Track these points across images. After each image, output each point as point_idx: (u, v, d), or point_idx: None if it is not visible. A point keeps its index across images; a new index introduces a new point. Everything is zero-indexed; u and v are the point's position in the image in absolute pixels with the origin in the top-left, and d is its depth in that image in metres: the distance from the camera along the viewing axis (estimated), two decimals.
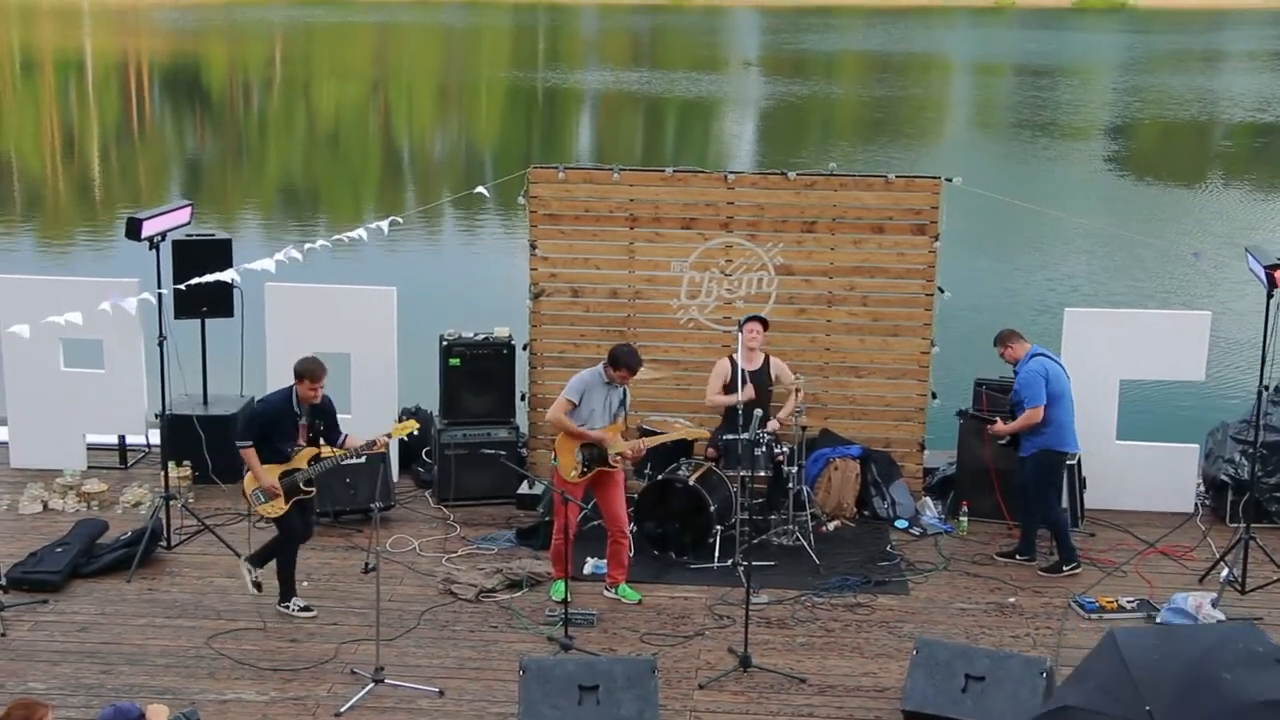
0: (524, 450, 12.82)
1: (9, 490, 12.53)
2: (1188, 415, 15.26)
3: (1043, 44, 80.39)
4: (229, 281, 11.65)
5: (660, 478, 11.38)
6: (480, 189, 13.09)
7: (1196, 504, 12.41)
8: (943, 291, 12.35)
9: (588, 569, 11.00)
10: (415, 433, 10.57)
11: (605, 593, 10.64)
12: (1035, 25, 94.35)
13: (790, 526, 11.57)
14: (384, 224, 11.86)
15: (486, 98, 56.91)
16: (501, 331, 12.77)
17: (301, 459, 10.11)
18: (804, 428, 11.71)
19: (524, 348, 12.71)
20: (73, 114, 49.77)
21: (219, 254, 12.60)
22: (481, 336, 12.72)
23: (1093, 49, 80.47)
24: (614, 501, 10.57)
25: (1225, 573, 10.86)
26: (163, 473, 11.66)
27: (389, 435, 10.31)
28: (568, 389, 10.49)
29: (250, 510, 10.24)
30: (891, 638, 10.07)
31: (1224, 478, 12.17)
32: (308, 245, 11.16)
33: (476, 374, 12.62)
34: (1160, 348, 12.22)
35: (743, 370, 11.42)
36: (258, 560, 10.32)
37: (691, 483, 11.25)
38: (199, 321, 12.88)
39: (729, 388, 11.61)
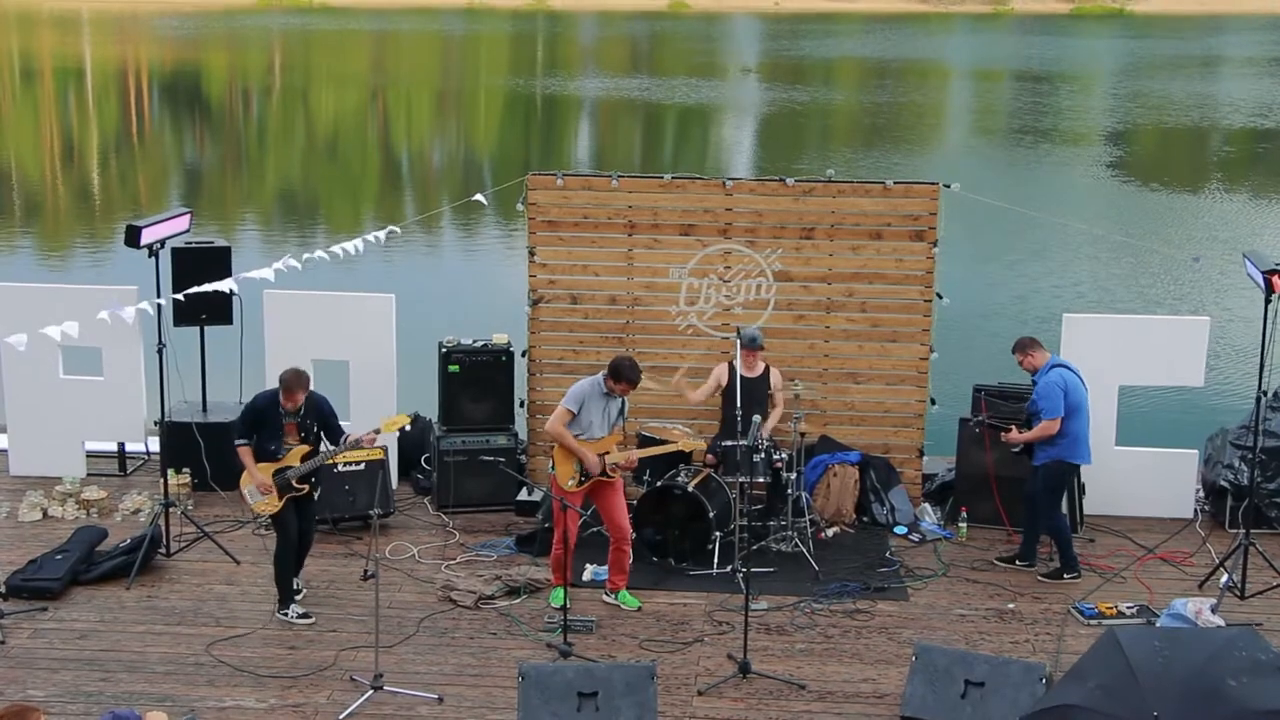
0: (523, 457, 12.82)
1: (8, 498, 12.53)
2: (1187, 421, 15.27)
3: (1041, 50, 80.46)
4: (227, 291, 11.65)
5: (659, 484, 11.38)
6: (479, 196, 13.10)
7: (1196, 509, 12.42)
8: (941, 298, 12.35)
9: (587, 575, 11.00)
10: (408, 428, 10.55)
11: (605, 598, 10.64)
12: (1033, 31, 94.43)
13: (789, 533, 11.57)
14: (381, 234, 11.88)
15: (485, 105, 56.96)
16: (500, 338, 12.78)
17: (294, 457, 10.16)
18: (803, 434, 11.71)
19: (523, 354, 12.71)
20: (72, 121, 49.81)
21: (218, 261, 12.62)
22: (480, 343, 12.72)
23: (1091, 55, 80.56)
24: (615, 509, 10.57)
25: (1225, 578, 10.85)
26: (162, 480, 11.66)
27: (378, 430, 10.27)
28: (567, 398, 10.48)
29: (254, 516, 10.25)
30: (891, 644, 10.07)
31: (1223, 483, 12.17)
32: (306, 256, 11.17)
33: (475, 381, 12.62)
34: (1159, 353, 12.23)
35: (741, 377, 11.40)
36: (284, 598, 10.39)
37: (690, 489, 11.25)
38: (198, 329, 12.88)
39: (725, 393, 11.62)
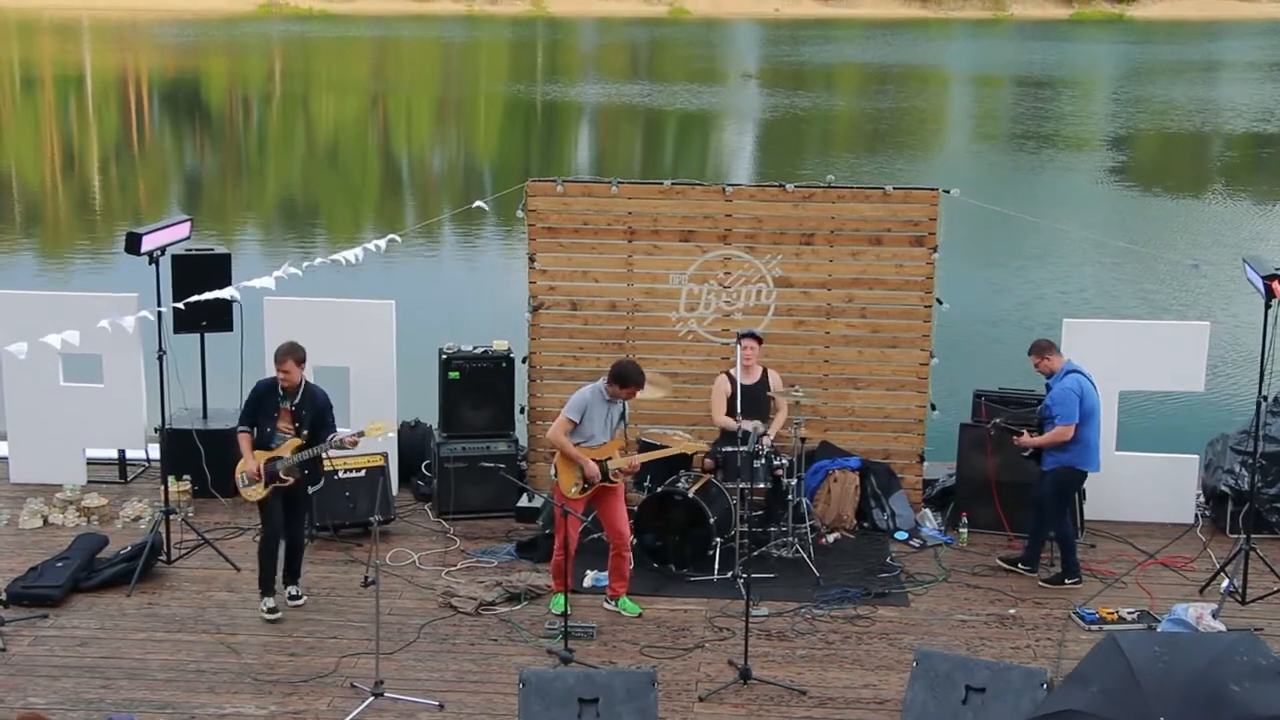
0: (523, 463, 12.82)
1: (9, 505, 12.52)
2: (1188, 426, 15.26)
3: (1041, 55, 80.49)
4: (228, 299, 11.67)
5: (660, 490, 11.38)
6: (479, 203, 13.11)
7: (1196, 515, 12.42)
8: (941, 303, 12.36)
9: (587, 582, 10.99)
10: (391, 434, 10.54)
11: (606, 605, 10.63)
12: (1032, 36, 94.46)
13: (790, 538, 11.57)
14: (381, 243, 11.89)
15: (485, 111, 56.97)
16: (500, 345, 12.78)
17: (286, 448, 10.21)
18: (803, 440, 11.71)
19: (523, 361, 12.72)
20: (72, 129, 49.82)
21: (218, 269, 12.63)
22: (480, 350, 12.72)
23: (1091, 60, 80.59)
24: (616, 516, 10.56)
25: (1226, 584, 10.86)
26: (162, 487, 11.67)
27: (361, 433, 10.26)
28: (568, 407, 10.46)
29: (258, 524, 10.28)
30: (892, 649, 10.07)
31: (1224, 488, 12.17)
32: (306, 263, 11.19)
33: (476, 387, 12.62)
34: (1160, 359, 12.23)
35: (741, 385, 11.41)
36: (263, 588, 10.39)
37: (691, 495, 11.24)
38: (198, 336, 12.89)
39: (730, 402, 11.62)
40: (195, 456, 12.35)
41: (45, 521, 12.23)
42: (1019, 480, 11.58)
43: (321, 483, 10.73)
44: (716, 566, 11.19)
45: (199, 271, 12.42)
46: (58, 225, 32.40)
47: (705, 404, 11.93)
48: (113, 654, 9.89)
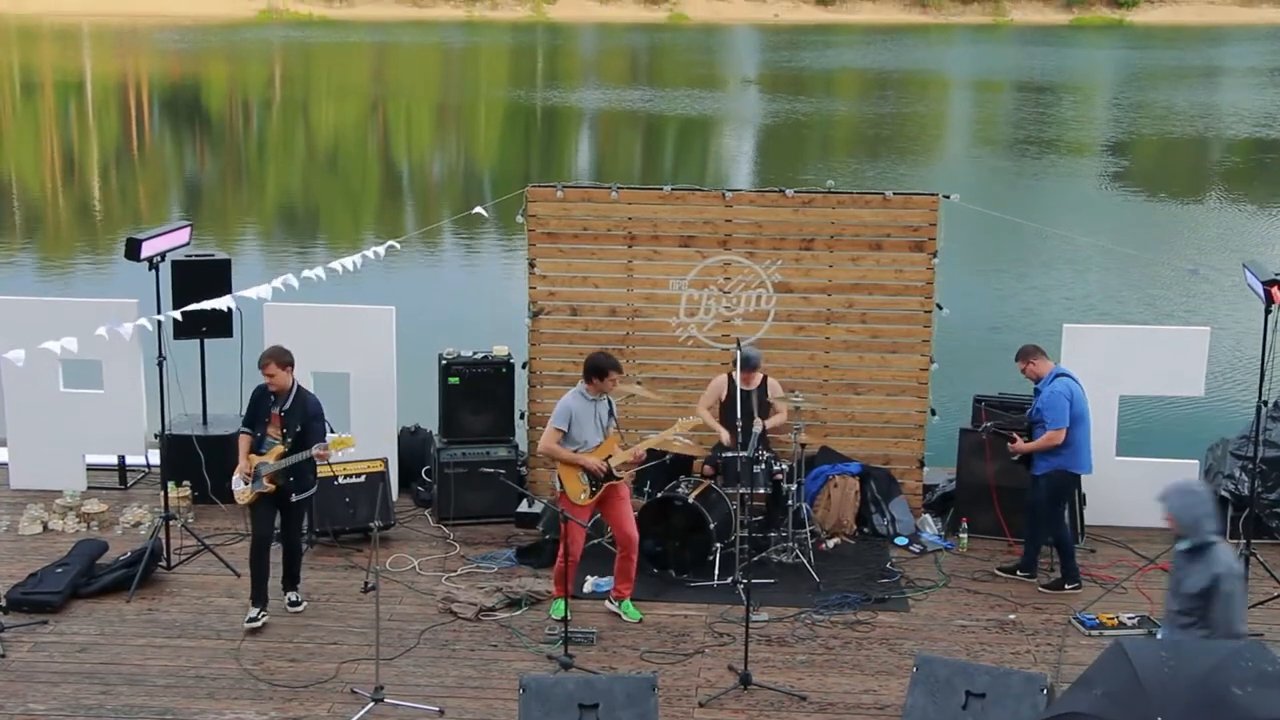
0: (523, 469, 12.83)
1: (9, 511, 12.52)
2: (1187, 431, 15.26)
3: (1042, 60, 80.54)
4: (225, 309, 11.66)
5: (660, 495, 11.38)
6: (479, 208, 13.12)
7: None
8: (941, 308, 12.36)
9: (588, 587, 10.99)
10: (353, 450, 10.53)
11: (609, 605, 10.63)
12: (1033, 42, 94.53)
13: (790, 544, 11.57)
14: (380, 249, 11.90)
15: (485, 117, 57.01)
16: (500, 350, 12.79)
17: (271, 455, 10.24)
18: (803, 445, 11.71)
19: (523, 366, 12.72)
20: (73, 135, 49.83)
21: (218, 274, 12.64)
22: (480, 355, 12.73)
23: (1091, 65, 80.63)
24: (623, 518, 10.55)
25: None
26: (162, 493, 11.67)
27: (327, 447, 10.23)
28: (555, 417, 10.44)
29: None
30: (892, 655, 10.06)
31: (1224, 493, 12.16)
32: (305, 273, 11.19)
33: (476, 393, 12.63)
34: (1160, 363, 12.23)
35: (740, 391, 11.40)
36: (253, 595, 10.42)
37: (691, 500, 11.25)
38: (198, 342, 12.89)
39: (725, 405, 11.62)
40: (195, 462, 12.36)
41: (45, 527, 12.24)
42: (1019, 485, 11.56)
43: (312, 490, 10.67)
44: (716, 572, 11.19)
45: (199, 277, 12.42)
46: (58, 231, 32.42)
47: (714, 412, 11.91)
48: (112, 660, 9.88)
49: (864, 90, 65.54)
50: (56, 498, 12.55)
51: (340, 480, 11.83)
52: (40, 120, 53.41)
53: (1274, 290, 10.36)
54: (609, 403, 10.55)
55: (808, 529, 11.70)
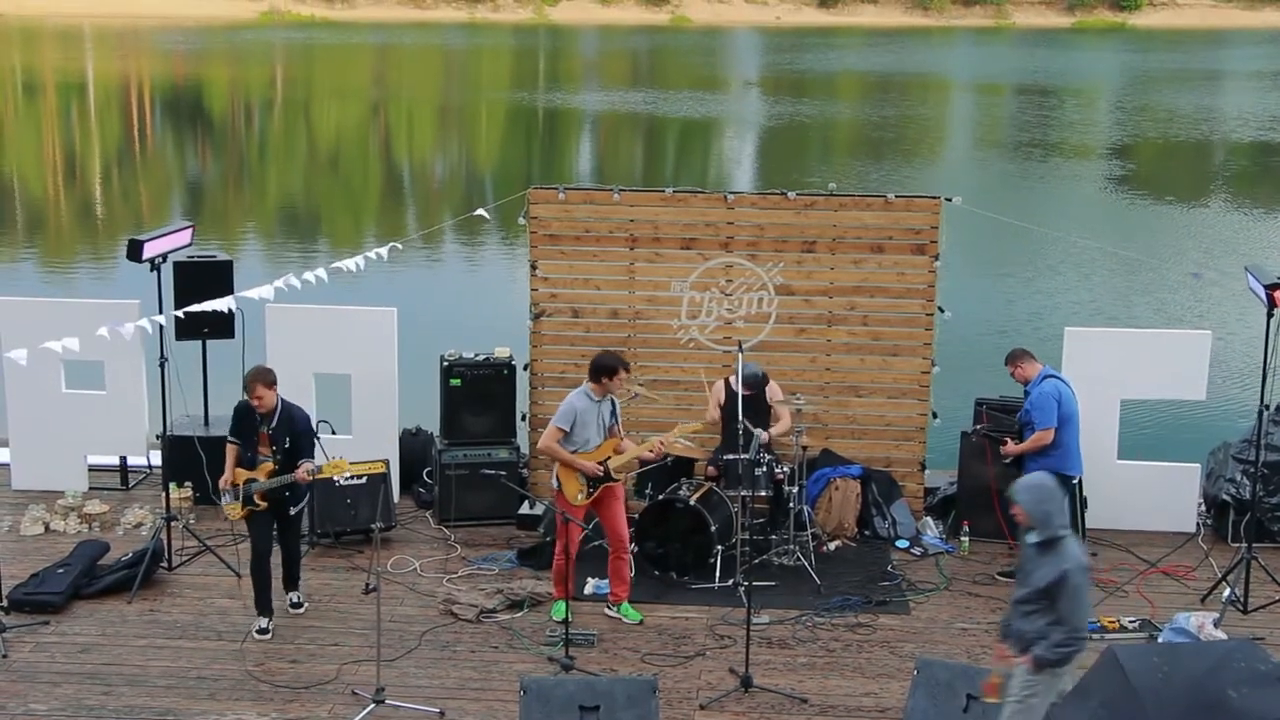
0: (525, 470, 12.82)
1: (11, 512, 12.53)
2: (1189, 435, 15.26)
3: (1044, 63, 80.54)
4: (226, 311, 11.67)
5: (661, 498, 11.38)
6: (481, 210, 13.12)
7: (1198, 524, 12.40)
8: (943, 311, 12.36)
9: (588, 589, 10.99)
10: (348, 473, 10.54)
11: (607, 611, 10.63)
12: (1035, 45, 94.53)
13: (791, 546, 11.57)
14: (383, 250, 11.91)
15: (487, 119, 57.02)
16: (502, 352, 12.79)
17: (261, 472, 10.22)
18: (804, 447, 11.71)
19: (524, 368, 12.73)
20: (74, 136, 49.86)
21: (220, 275, 12.63)
22: (482, 357, 12.73)
23: (1094, 68, 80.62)
24: (616, 518, 10.56)
25: (1227, 592, 10.85)
26: (164, 494, 11.68)
27: (319, 469, 10.19)
28: (558, 417, 10.45)
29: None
30: (893, 658, 10.06)
31: (1225, 497, 12.17)
32: (306, 275, 11.20)
33: (477, 394, 12.63)
34: (1161, 367, 12.23)
35: (740, 396, 11.40)
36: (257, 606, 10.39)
37: (692, 503, 11.25)
38: (200, 343, 12.89)
39: (725, 408, 11.62)
40: (197, 463, 12.34)
41: (47, 528, 12.24)
42: None
43: (305, 502, 10.65)
44: (718, 574, 11.19)
45: (201, 278, 12.42)
46: (60, 232, 32.44)
47: (715, 416, 11.90)
48: (114, 660, 9.89)
49: (866, 93, 65.54)
50: (58, 498, 12.56)
51: (341, 482, 11.82)
52: (42, 121, 53.43)
53: (1276, 294, 10.36)
54: (612, 403, 10.56)
55: (809, 531, 11.70)
